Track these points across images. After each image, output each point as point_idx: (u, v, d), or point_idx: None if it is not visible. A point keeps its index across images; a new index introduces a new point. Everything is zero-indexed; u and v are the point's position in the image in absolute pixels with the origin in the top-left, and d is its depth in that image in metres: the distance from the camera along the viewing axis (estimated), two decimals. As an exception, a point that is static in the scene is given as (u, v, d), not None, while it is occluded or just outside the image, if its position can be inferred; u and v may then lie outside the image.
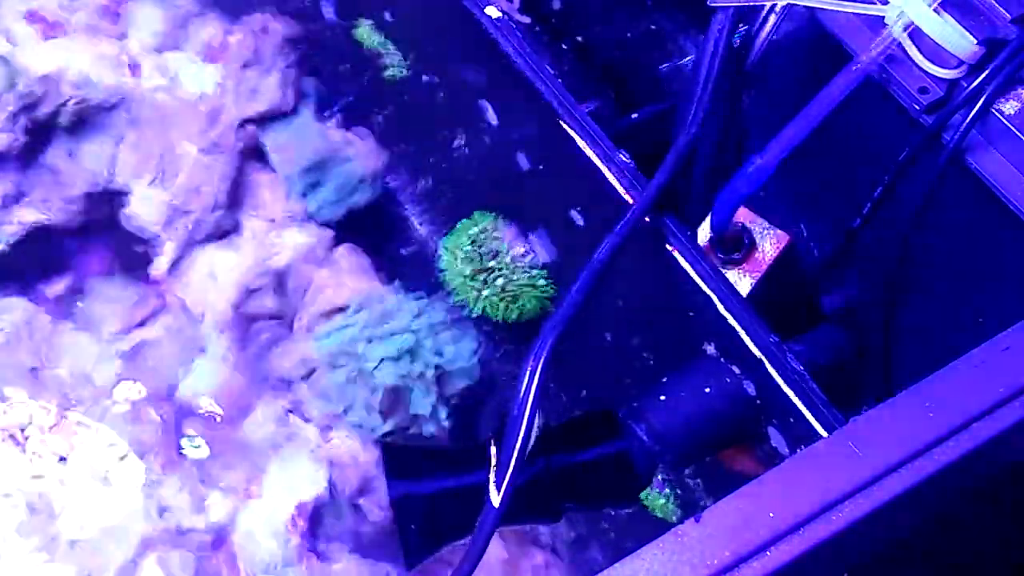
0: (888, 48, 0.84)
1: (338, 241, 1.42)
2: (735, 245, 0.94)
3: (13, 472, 1.21)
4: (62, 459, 1.23)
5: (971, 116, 0.86)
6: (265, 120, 1.38)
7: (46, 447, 1.24)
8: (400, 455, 0.92)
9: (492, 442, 0.80)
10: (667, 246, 0.85)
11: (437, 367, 1.24)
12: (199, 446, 1.29)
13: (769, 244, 0.95)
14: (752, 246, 0.94)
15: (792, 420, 0.79)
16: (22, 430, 1.24)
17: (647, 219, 0.85)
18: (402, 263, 1.43)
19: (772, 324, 0.81)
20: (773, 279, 0.94)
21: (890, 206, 0.96)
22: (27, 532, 1.19)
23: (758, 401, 0.83)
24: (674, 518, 1.05)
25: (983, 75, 0.86)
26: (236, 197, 1.39)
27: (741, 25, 0.92)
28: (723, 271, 0.92)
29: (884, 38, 0.84)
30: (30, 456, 1.23)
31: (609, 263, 0.80)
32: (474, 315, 1.13)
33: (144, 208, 1.37)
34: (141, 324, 1.38)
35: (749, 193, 0.85)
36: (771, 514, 0.65)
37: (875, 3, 0.88)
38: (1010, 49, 0.87)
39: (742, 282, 0.93)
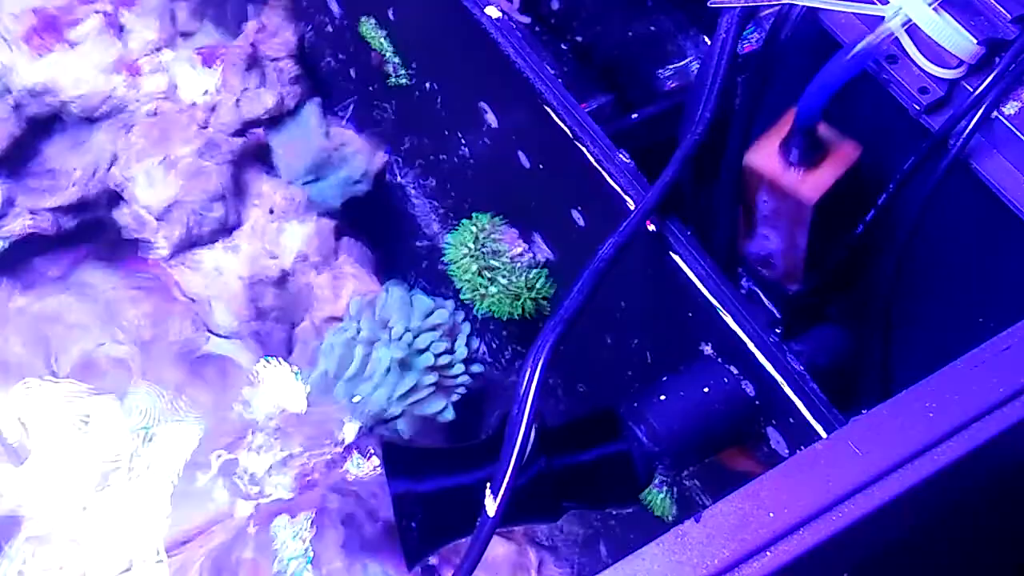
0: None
1: (340, 241, 1.42)
2: (813, 145, 0.88)
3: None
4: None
5: (975, 120, 0.86)
6: (267, 120, 1.39)
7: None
8: (401, 454, 0.92)
9: (493, 440, 0.80)
10: (667, 247, 0.85)
11: (437, 369, 1.24)
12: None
13: (845, 149, 0.89)
14: (826, 151, 0.89)
15: (792, 420, 0.79)
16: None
17: (649, 220, 0.85)
18: (404, 263, 1.43)
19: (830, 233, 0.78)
20: (842, 188, 0.89)
21: (891, 206, 0.96)
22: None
23: (757, 402, 0.83)
24: (673, 518, 1.05)
25: (989, 79, 0.86)
26: (237, 197, 1.39)
27: (751, 28, 0.91)
28: (800, 172, 0.88)
29: None
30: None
31: (611, 263, 0.80)
32: (479, 313, 1.13)
33: (142, 210, 1.37)
34: (142, 325, 1.39)
35: (852, 75, 0.80)
36: (771, 514, 0.65)
37: (875, 3, 0.88)
38: (1014, 51, 0.86)
39: (817, 184, 0.88)
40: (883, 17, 0.87)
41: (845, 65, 0.80)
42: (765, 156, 0.89)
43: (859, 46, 0.80)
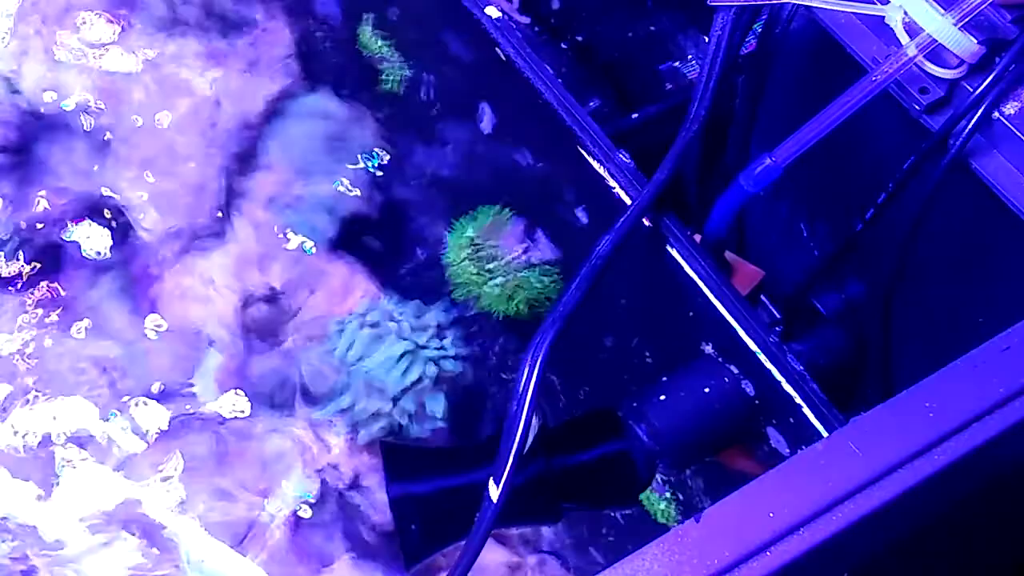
0: (916, 56, 0.84)
1: (338, 244, 1.42)
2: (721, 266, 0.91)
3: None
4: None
5: (975, 120, 0.86)
6: (265, 118, 1.39)
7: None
8: (399, 455, 0.92)
9: (492, 441, 0.80)
10: (667, 245, 0.85)
11: (434, 371, 1.24)
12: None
13: (749, 270, 0.94)
14: (731, 272, 0.94)
15: (792, 420, 0.79)
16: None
17: (647, 218, 0.85)
18: (402, 264, 1.43)
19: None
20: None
21: (891, 206, 0.96)
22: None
23: (757, 402, 0.83)
24: (674, 519, 1.05)
25: (989, 79, 0.86)
26: (236, 196, 1.39)
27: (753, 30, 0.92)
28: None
29: (910, 47, 0.84)
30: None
31: (608, 260, 0.80)
32: (477, 311, 1.13)
33: (139, 212, 1.37)
34: (140, 330, 1.38)
35: (754, 192, 0.85)
36: (771, 514, 0.65)
37: (875, 3, 0.87)
38: (1014, 51, 0.86)
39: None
40: (883, 17, 0.87)
41: (743, 189, 0.84)
42: None
43: (767, 162, 0.83)
